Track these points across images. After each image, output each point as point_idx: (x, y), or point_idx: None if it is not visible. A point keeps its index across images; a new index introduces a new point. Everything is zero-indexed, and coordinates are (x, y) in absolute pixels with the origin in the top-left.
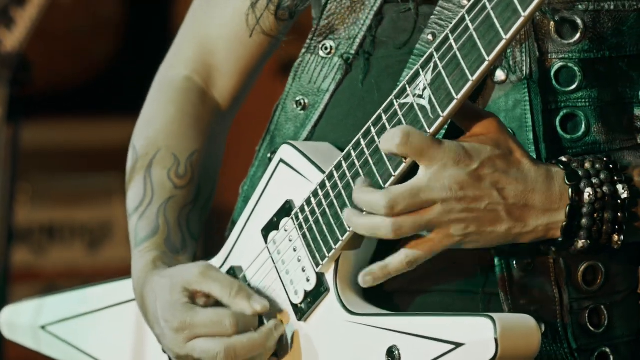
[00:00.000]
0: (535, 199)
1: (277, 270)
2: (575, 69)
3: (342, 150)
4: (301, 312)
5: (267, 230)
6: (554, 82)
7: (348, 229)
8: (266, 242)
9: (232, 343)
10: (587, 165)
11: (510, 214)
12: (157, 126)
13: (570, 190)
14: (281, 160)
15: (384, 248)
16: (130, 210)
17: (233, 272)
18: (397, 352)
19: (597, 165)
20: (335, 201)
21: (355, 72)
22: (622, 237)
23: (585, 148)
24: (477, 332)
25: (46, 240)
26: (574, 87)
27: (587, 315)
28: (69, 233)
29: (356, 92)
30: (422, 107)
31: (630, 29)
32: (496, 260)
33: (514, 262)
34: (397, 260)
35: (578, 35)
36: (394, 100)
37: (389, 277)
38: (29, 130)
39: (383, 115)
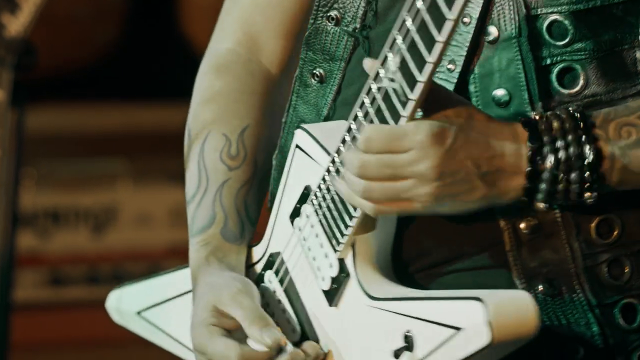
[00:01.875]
0: (503, 162)
1: (306, 257)
2: (566, 22)
3: None
4: (330, 299)
5: (293, 217)
6: (546, 36)
7: (355, 210)
8: (293, 229)
9: None
10: (555, 125)
11: (484, 181)
12: (205, 105)
13: (529, 153)
14: (297, 146)
15: (405, 231)
16: (187, 197)
17: (272, 258)
18: (411, 337)
19: (567, 125)
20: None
21: (359, 48)
22: (594, 193)
23: (586, 101)
24: (471, 316)
25: (51, 225)
26: (567, 40)
27: (606, 268)
28: (74, 217)
29: (365, 71)
30: (394, 90)
31: None
32: (502, 224)
33: (520, 224)
34: (360, 202)
35: None
36: (371, 84)
37: (350, 203)
38: (34, 115)
39: (365, 99)
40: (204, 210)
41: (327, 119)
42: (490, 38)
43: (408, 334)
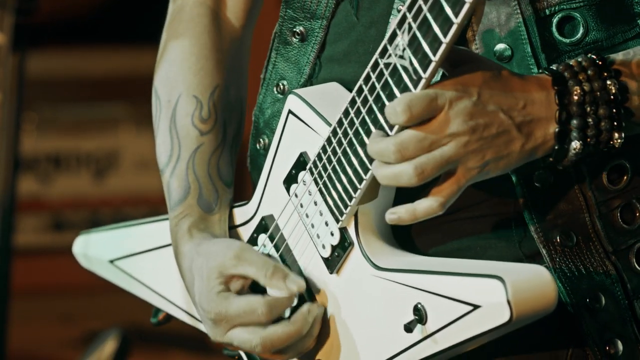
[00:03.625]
0: (535, 110)
1: (304, 224)
2: None
3: (349, 89)
4: (331, 266)
5: (287, 183)
6: None
7: (359, 183)
8: (289, 194)
9: (268, 335)
10: (574, 64)
11: (520, 131)
12: (174, 64)
13: (557, 94)
14: (290, 112)
15: (404, 193)
16: (161, 165)
17: (265, 222)
18: (423, 310)
19: (584, 63)
20: (342, 157)
21: (345, 2)
22: (622, 134)
23: (587, 48)
24: (490, 295)
25: (52, 170)
26: None
27: (619, 213)
28: (75, 162)
29: (354, 27)
30: (404, 68)
31: None
32: (514, 180)
33: (533, 179)
34: (425, 204)
35: None
36: (379, 59)
37: (416, 221)
38: (35, 59)
39: (371, 74)
40: (178, 180)
41: (310, 76)
42: None
43: (419, 306)
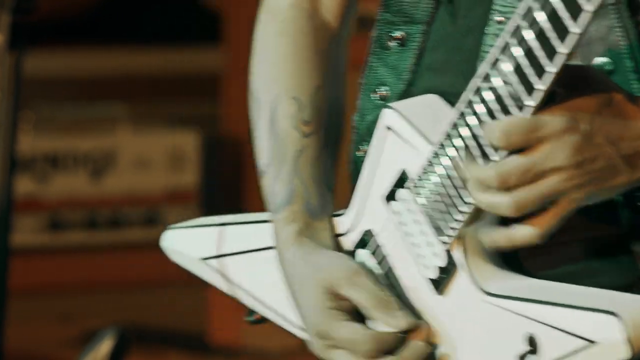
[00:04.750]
0: None
1: (405, 243)
2: None
3: (449, 101)
4: (435, 287)
5: (387, 199)
6: None
7: (464, 206)
8: (389, 211)
9: None
10: None
11: (628, 164)
12: (271, 65)
13: None
14: (387, 127)
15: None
16: (261, 168)
17: (365, 237)
18: (536, 341)
19: None
20: (446, 178)
21: (443, 10)
22: None
23: None
24: (606, 331)
25: (49, 169)
26: None
27: None
28: (72, 162)
29: (450, 35)
30: (509, 95)
31: None
32: (618, 201)
33: (635, 199)
34: (523, 233)
35: None
36: (481, 84)
37: (514, 248)
38: (33, 57)
39: (473, 98)
40: (281, 184)
41: (409, 82)
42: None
43: (532, 337)
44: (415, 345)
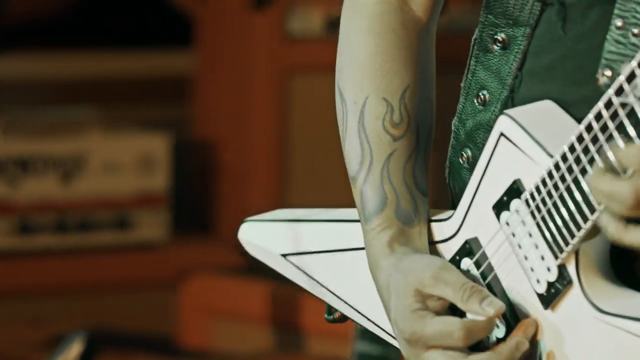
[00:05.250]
0: None
1: (516, 255)
2: None
3: (562, 107)
4: (546, 302)
5: (498, 209)
6: None
7: (584, 222)
8: (499, 221)
9: None
10: None
11: None
12: (359, 65)
13: None
14: (502, 135)
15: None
16: (352, 172)
17: (469, 245)
18: None
19: None
20: (566, 193)
21: (550, 13)
22: None
23: None
24: None
25: (20, 173)
26: None
27: None
28: (42, 165)
29: (559, 40)
30: None
31: None
32: None
33: None
34: (636, 235)
35: None
36: (613, 98)
37: (617, 241)
38: (3, 61)
39: (604, 112)
40: (372, 189)
41: (512, 88)
42: None
43: None
44: (514, 341)
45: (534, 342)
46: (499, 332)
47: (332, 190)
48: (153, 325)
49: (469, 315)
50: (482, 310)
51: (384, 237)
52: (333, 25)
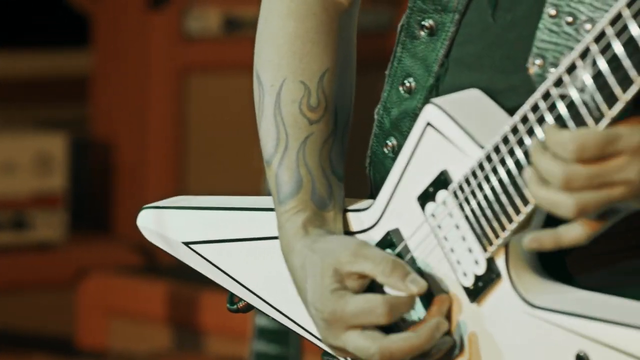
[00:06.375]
0: None
1: (441, 247)
2: None
3: (490, 96)
4: (473, 295)
5: (423, 200)
6: None
7: (516, 214)
8: (424, 213)
9: (388, 344)
10: None
11: None
12: (278, 49)
13: None
14: (428, 124)
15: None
16: (266, 156)
17: (390, 237)
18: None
19: None
20: (498, 185)
21: (480, 1)
22: None
23: None
24: None
25: None
26: None
27: None
28: None
29: (489, 28)
30: (585, 103)
31: None
32: None
33: None
34: (572, 235)
35: None
36: (551, 89)
37: (558, 248)
38: None
39: (541, 103)
40: (288, 173)
41: (438, 76)
42: None
43: (583, 356)
44: (435, 321)
45: (455, 329)
46: (417, 314)
47: (229, 188)
48: (51, 325)
49: (389, 291)
50: (405, 287)
51: (298, 219)
52: (230, 25)
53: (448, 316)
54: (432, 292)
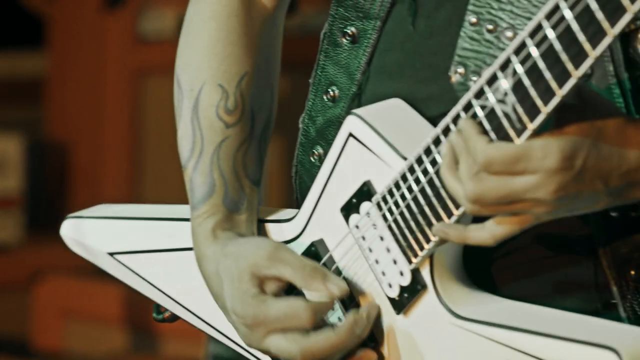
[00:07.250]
0: (638, 175)
1: (365, 259)
2: None
3: (411, 105)
4: (398, 307)
5: (347, 211)
6: None
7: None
8: (348, 224)
9: (309, 345)
10: None
11: (610, 195)
12: (198, 50)
13: None
14: (351, 135)
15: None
16: (183, 160)
17: (315, 248)
18: None
19: None
20: (421, 196)
21: (401, 7)
22: None
23: None
24: None
25: None
26: None
27: None
28: None
29: (409, 37)
30: (506, 115)
31: None
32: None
33: (610, 210)
34: (479, 236)
35: None
36: (473, 100)
37: (463, 244)
38: None
39: (462, 114)
40: (202, 177)
41: (360, 84)
42: None
43: None
44: (352, 317)
45: (381, 340)
46: (336, 315)
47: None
48: (6, 326)
49: (308, 295)
50: (325, 289)
51: (209, 224)
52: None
53: (375, 328)
54: (354, 298)
